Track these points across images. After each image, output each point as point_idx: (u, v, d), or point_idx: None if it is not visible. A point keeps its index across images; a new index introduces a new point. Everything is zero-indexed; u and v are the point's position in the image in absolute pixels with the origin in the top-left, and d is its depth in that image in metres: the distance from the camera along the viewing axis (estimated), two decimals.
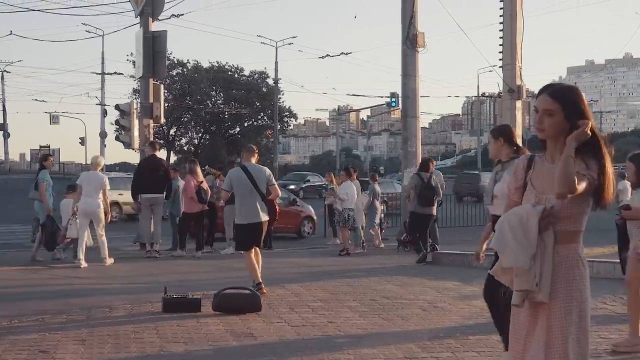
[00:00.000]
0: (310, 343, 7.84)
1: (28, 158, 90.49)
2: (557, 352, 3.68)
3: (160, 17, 21.15)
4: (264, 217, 10.80)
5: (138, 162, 18.51)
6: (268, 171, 11.07)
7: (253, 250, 10.77)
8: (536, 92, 4.67)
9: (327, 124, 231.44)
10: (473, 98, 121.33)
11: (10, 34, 45.01)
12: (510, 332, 3.94)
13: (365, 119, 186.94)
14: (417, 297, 10.86)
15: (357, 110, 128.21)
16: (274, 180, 11.13)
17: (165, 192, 16.58)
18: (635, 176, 7.66)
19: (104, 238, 14.78)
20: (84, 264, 14.23)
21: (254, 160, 11.09)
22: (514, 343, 3.89)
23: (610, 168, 3.73)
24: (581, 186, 3.60)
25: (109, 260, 14.68)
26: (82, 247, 14.40)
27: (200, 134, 71.46)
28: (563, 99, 3.70)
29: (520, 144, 7.85)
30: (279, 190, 11.70)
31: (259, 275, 10.71)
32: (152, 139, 19.94)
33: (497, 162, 7.06)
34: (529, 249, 3.66)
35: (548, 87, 3.84)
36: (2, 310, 9.58)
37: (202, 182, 16.98)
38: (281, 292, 11.15)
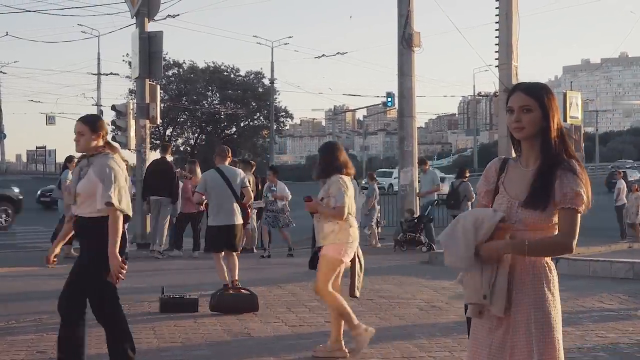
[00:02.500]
0: (308, 342, 7.84)
1: (24, 159, 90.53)
2: None
3: (156, 18, 21.14)
4: (239, 220, 10.57)
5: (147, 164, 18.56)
6: (242, 173, 11.01)
7: (223, 253, 10.55)
8: None
9: (324, 123, 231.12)
10: (469, 97, 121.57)
11: (6, 34, 44.97)
12: (469, 346, 3.75)
13: (361, 118, 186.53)
14: (414, 296, 10.88)
15: (353, 110, 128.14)
16: (247, 182, 11.05)
17: (172, 195, 16.68)
18: (319, 166, 7.41)
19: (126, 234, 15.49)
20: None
21: (227, 162, 11.04)
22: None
23: (585, 175, 3.57)
24: (577, 226, 3.56)
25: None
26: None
27: (196, 135, 71.42)
28: (538, 96, 3.60)
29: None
30: (251, 193, 11.64)
31: (227, 276, 10.35)
32: (148, 139, 19.95)
33: (82, 157, 6.18)
34: (471, 251, 3.48)
35: (520, 84, 3.73)
36: None
37: None
38: (278, 292, 11.16)
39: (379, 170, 63.76)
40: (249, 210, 11.28)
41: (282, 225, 17.47)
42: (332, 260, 7.14)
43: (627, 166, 74.39)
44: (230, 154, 11.30)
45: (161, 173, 16.61)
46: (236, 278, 10.62)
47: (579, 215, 3.54)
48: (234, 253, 10.52)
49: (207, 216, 17.30)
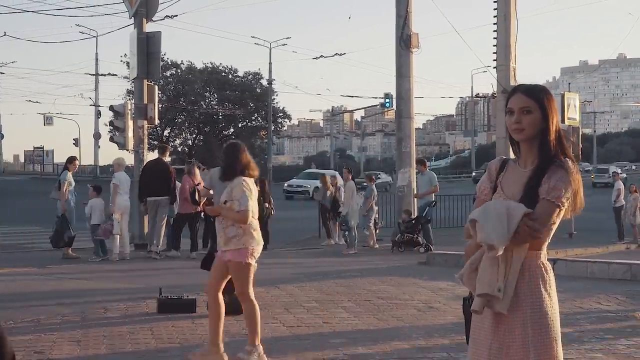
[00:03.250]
0: (306, 343, 7.85)
1: (22, 159, 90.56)
2: None
3: (154, 18, 21.13)
4: None
5: (144, 165, 18.59)
6: None
7: None
8: None
9: (321, 124, 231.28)
10: (467, 99, 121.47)
11: (4, 35, 44.70)
12: (470, 348, 3.74)
13: (359, 119, 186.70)
14: (411, 297, 10.88)
15: (351, 111, 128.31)
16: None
17: (170, 195, 16.68)
18: (221, 168, 7.33)
19: (127, 232, 16.35)
20: (117, 258, 15.76)
21: None
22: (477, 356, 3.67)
23: (577, 175, 3.57)
24: (549, 219, 3.52)
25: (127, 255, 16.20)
26: (117, 242, 15.88)
27: (194, 135, 71.45)
28: (538, 98, 3.62)
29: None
30: (256, 192, 11.69)
31: None
32: (146, 140, 19.94)
33: None
34: (507, 235, 3.43)
35: (520, 86, 3.74)
36: None
37: (198, 183, 16.95)
38: (276, 292, 11.16)
39: (305, 171, 60.55)
40: None
41: None
42: (241, 266, 6.94)
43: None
44: None
45: (158, 173, 16.62)
46: None
47: (557, 210, 3.53)
48: None
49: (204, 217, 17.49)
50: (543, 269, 3.60)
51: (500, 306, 3.52)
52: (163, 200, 16.56)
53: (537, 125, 3.61)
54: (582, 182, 3.63)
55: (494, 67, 19.57)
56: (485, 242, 3.49)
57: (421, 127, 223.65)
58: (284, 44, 68.57)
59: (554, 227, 3.60)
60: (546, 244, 3.64)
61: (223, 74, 69.97)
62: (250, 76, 71.08)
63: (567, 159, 3.59)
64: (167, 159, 17.57)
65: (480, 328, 3.65)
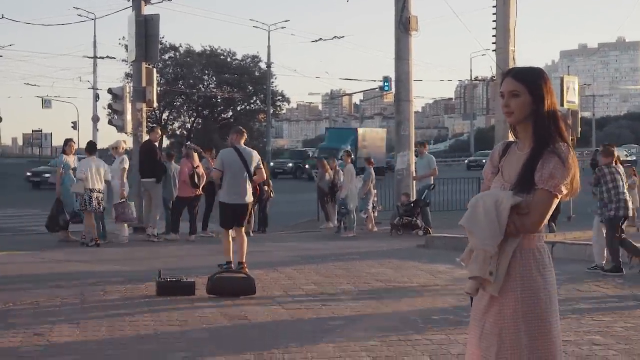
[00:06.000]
0: (304, 325, 7.86)
1: (20, 142, 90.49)
2: None
3: (152, 1, 21.06)
4: (250, 199, 11.10)
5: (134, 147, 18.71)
6: (257, 155, 11.24)
7: (233, 230, 11.02)
8: None
9: (320, 107, 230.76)
10: (466, 82, 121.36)
11: (2, 17, 44.51)
12: (470, 322, 3.77)
13: (358, 102, 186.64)
14: (410, 280, 10.90)
15: (350, 94, 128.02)
16: (261, 164, 11.27)
17: (155, 177, 16.68)
18: None
19: None
20: (126, 240, 16.05)
21: (242, 141, 11.23)
22: (471, 342, 3.70)
23: (573, 158, 3.57)
24: (548, 208, 3.53)
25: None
26: (125, 226, 16.28)
27: (192, 118, 71.42)
28: (527, 81, 3.62)
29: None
30: (264, 174, 11.83)
31: (231, 254, 10.83)
32: (144, 122, 19.91)
33: None
34: (499, 233, 3.48)
35: (511, 70, 3.78)
36: None
37: (197, 166, 16.94)
38: (275, 275, 11.17)
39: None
40: (258, 189, 11.61)
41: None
42: None
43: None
44: (245, 134, 11.54)
45: (143, 155, 16.78)
46: (243, 260, 10.77)
47: (554, 198, 3.54)
48: (243, 233, 11.07)
49: (207, 196, 17.50)
50: (536, 250, 3.60)
51: (491, 289, 3.55)
52: (149, 182, 16.61)
53: (525, 108, 3.62)
54: (577, 165, 3.63)
55: (493, 50, 19.51)
56: (478, 249, 3.55)
57: (420, 111, 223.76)
58: (283, 27, 68.42)
59: (550, 213, 3.62)
60: (542, 227, 3.65)
61: (222, 57, 69.88)
62: (249, 59, 71.00)
63: (563, 143, 3.59)
64: (165, 140, 17.53)
65: (477, 307, 3.69)
